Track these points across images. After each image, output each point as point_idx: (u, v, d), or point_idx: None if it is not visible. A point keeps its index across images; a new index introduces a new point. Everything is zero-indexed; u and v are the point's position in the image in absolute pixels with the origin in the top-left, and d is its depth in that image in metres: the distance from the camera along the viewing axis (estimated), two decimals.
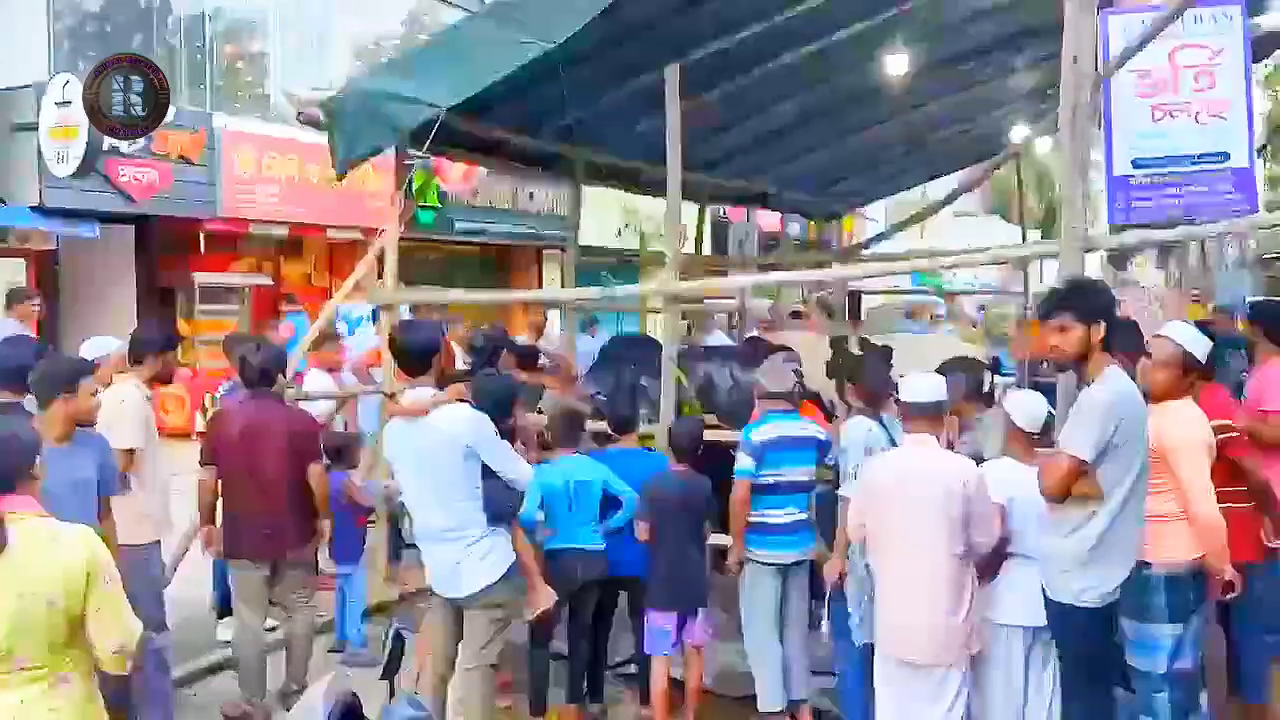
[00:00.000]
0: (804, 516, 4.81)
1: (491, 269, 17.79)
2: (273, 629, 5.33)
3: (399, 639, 2.23)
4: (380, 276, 6.81)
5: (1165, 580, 3.71)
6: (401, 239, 6.95)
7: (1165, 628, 3.71)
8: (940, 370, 4.83)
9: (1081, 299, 3.57)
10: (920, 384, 4.05)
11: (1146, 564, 3.67)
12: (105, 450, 3.95)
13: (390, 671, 2.20)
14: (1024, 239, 12.49)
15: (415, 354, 4.12)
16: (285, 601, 5.15)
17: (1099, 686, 3.65)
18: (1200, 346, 3.90)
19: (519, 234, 16.46)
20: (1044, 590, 3.71)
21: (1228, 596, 3.88)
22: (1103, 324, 3.52)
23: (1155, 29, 4.26)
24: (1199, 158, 4.63)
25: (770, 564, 4.80)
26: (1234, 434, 4.40)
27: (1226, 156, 4.60)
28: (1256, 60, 10.50)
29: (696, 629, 4.77)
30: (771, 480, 4.76)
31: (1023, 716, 4.05)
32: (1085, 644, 3.62)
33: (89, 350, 5.05)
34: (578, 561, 4.85)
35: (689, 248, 11.82)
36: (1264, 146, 16.29)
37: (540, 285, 17.87)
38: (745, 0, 6.50)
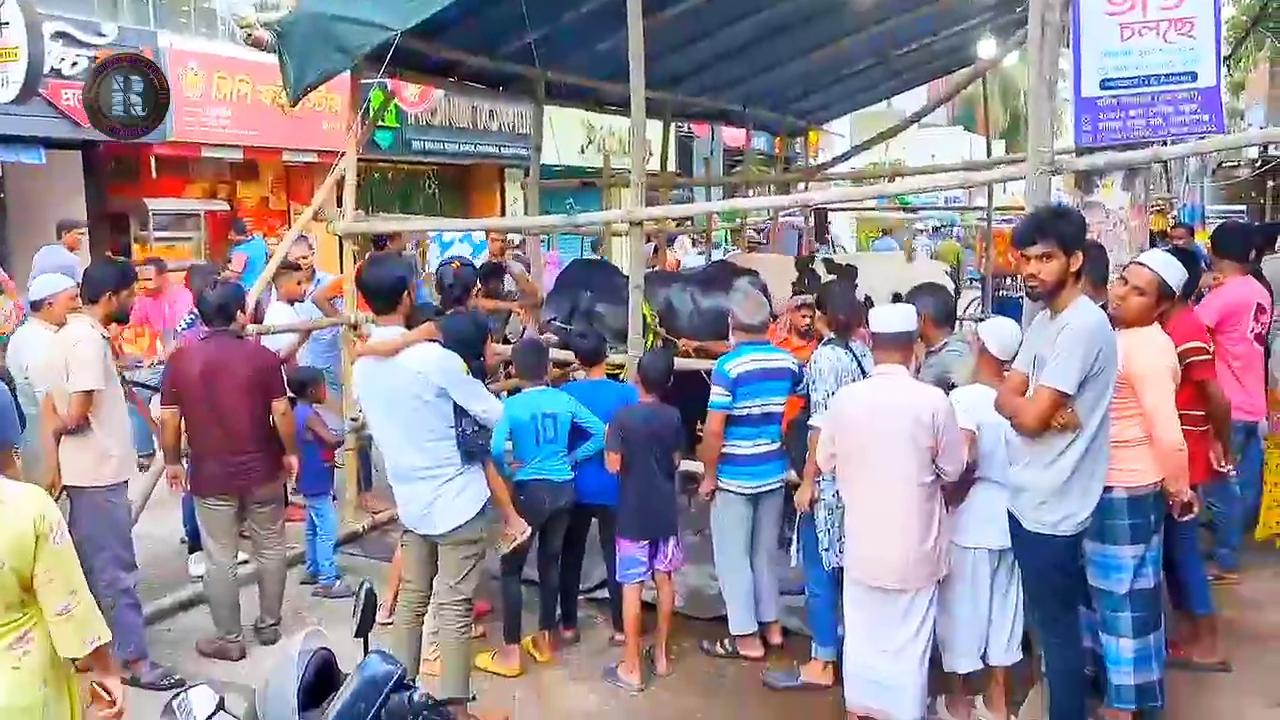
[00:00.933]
0: (775, 446, 4.85)
1: (452, 189, 17.49)
2: (244, 563, 5.33)
3: (371, 595, 2.22)
4: (339, 204, 6.68)
5: (1128, 503, 3.80)
6: (359, 160, 6.79)
7: (1127, 549, 3.80)
8: (908, 297, 4.85)
9: (1065, 227, 3.51)
10: (890, 314, 4.06)
11: (1109, 487, 3.73)
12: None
13: (364, 629, 2.20)
14: (989, 152, 12.47)
15: (383, 292, 4.04)
16: (255, 537, 5.16)
17: (1064, 608, 3.74)
18: (1176, 275, 3.92)
19: (480, 153, 16.15)
20: (1015, 520, 3.75)
21: (1185, 518, 3.98)
22: (1080, 253, 3.50)
23: None
24: (1166, 78, 4.58)
25: (741, 493, 4.85)
26: (1205, 357, 4.49)
27: (1194, 77, 4.55)
28: None
29: (667, 556, 4.83)
30: (744, 412, 4.78)
31: (986, 636, 4.18)
32: (1056, 571, 3.69)
33: (38, 288, 4.93)
34: (545, 492, 4.88)
35: (653, 165, 11.70)
36: (1227, 57, 16.26)
37: (503, 204, 17.64)
38: None
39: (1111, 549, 3.81)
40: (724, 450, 4.82)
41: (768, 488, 4.88)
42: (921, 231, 21.27)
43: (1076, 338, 3.44)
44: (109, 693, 2.84)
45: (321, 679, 2.15)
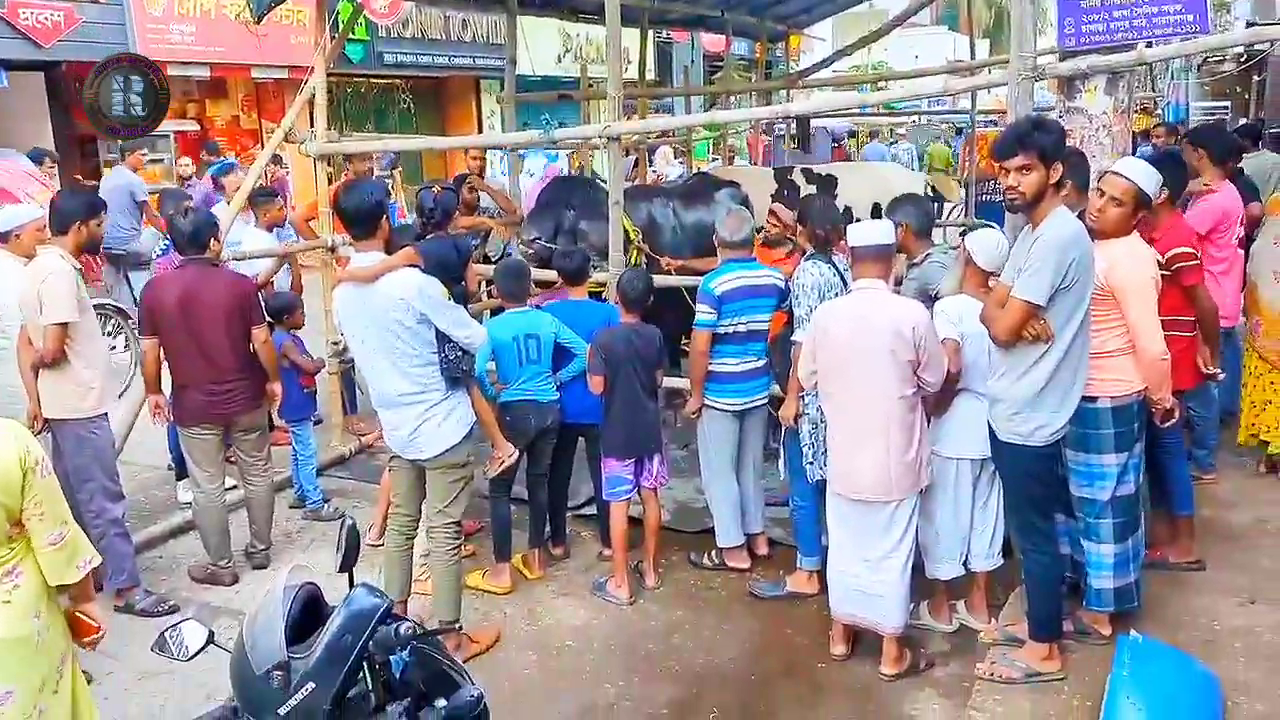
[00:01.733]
0: (760, 363, 4.86)
1: (427, 103, 17.14)
2: (232, 488, 5.35)
3: (353, 532, 2.23)
4: (310, 123, 6.53)
5: (1112, 412, 3.82)
6: (330, 75, 6.63)
7: (1110, 457, 3.85)
8: (888, 208, 4.81)
9: (1044, 138, 3.45)
10: (868, 229, 4.04)
11: (1093, 397, 3.77)
12: None
13: (347, 565, 2.21)
14: (972, 53, 12.25)
15: (361, 217, 3.97)
16: (241, 464, 5.17)
17: (1042, 516, 3.80)
18: (1153, 182, 3.88)
19: (455, 65, 15.78)
20: (992, 430, 3.80)
21: (1166, 424, 4.02)
22: (1059, 164, 3.47)
23: None
24: None
25: (728, 410, 4.87)
26: (1193, 263, 4.49)
27: None
28: None
29: (652, 473, 4.88)
30: (730, 330, 4.78)
31: (968, 542, 4.26)
32: (1034, 481, 3.74)
33: (4, 220, 4.82)
34: (530, 412, 4.90)
35: (631, 73, 11.47)
36: None
37: (479, 117, 17.32)
38: None
39: (1095, 458, 3.86)
40: (710, 368, 4.83)
41: (754, 404, 4.90)
42: (904, 135, 21.05)
43: (1049, 249, 3.42)
44: (93, 619, 2.89)
45: (308, 613, 2.17)
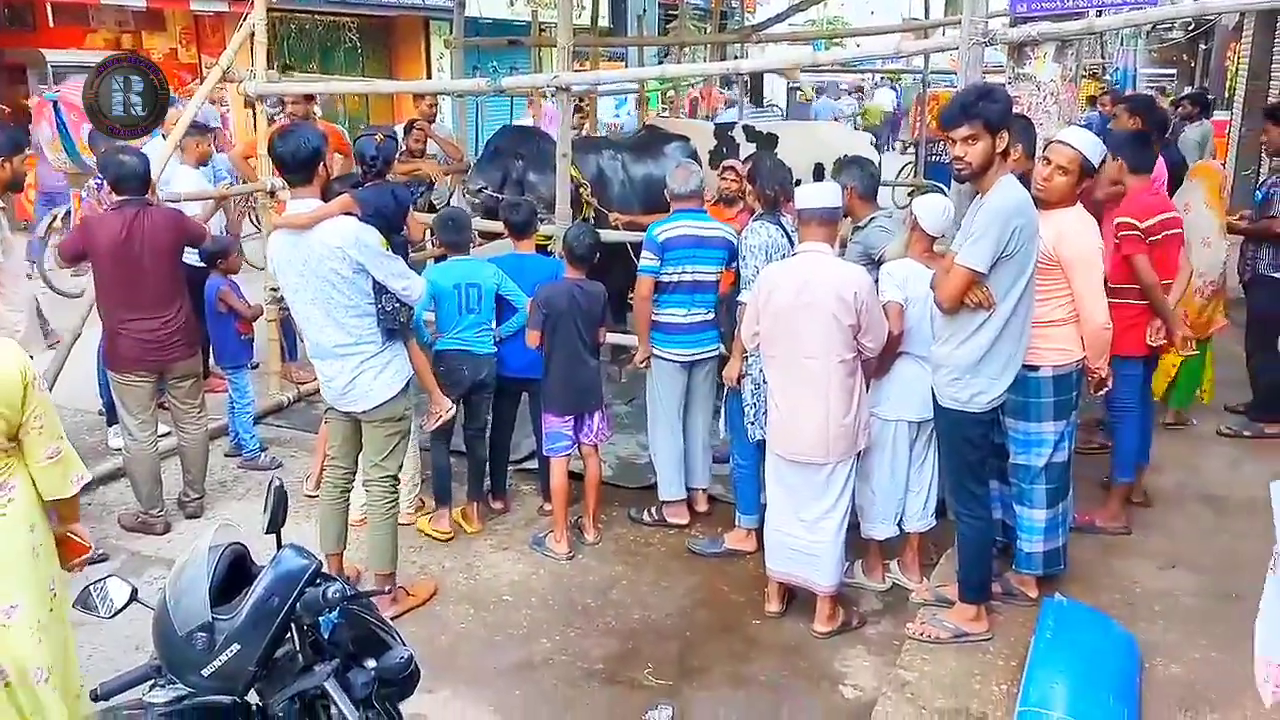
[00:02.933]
0: (709, 316, 4.86)
1: (374, 42, 16.72)
2: (165, 435, 5.24)
3: (281, 493, 2.19)
4: (251, 61, 6.32)
5: (1053, 381, 3.87)
6: (274, 10, 6.42)
7: (1049, 425, 3.91)
8: (834, 170, 4.81)
9: (990, 106, 3.44)
10: (815, 191, 4.04)
11: (1035, 366, 3.82)
12: None
13: (275, 526, 2.17)
14: (927, 11, 12.23)
15: (297, 163, 3.86)
16: (175, 412, 5.06)
17: (976, 481, 3.85)
18: (1098, 151, 3.91)
19: (403, 4, 15.39)
20: (933, 395, 3.84)
21: (1100, 392, 4.10)
22: (1005, 132, 3.46)
23: None
24: None
25: (675, 360, 4.87)
26: (1135, 231, 4.56)
27: None
28: None
29: (592, 430, 4.87)
30: (675, 278, 4.76)
31: (903, 503, 4.32)
32: (971, 446, 3.79)
33: None
34: (465, 362, 4.86)
35: (584, 20, 11.28)
36: None
37: (428, 60, 16.94)
38: None
39: (1035, 425, 3.91)
40: (658, 319, 4.83)
41: (702, 355, 4.90)
42: (848, 91, 21.05)
43: (992, 217, 3.44)
44: (82, 538, 2.97)
45: (235, 573, 2.13)
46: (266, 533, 2.14)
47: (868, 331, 3.85)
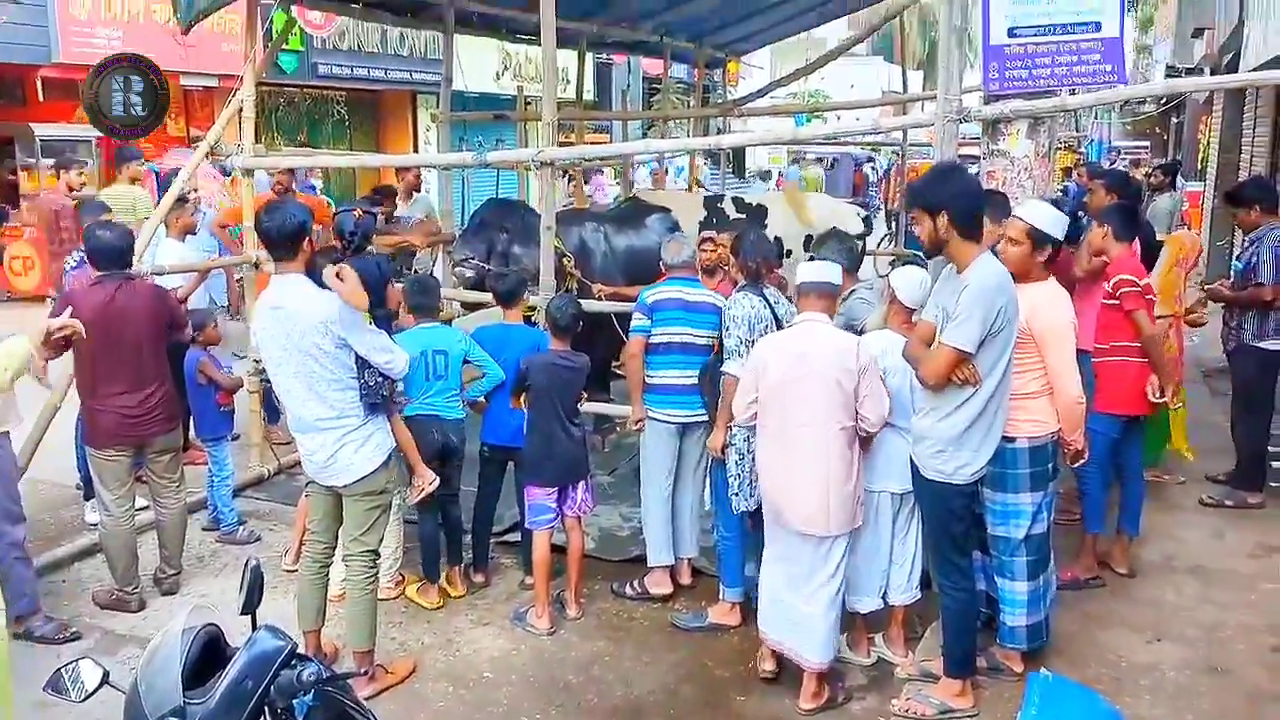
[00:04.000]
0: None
1: (362, 115, 16.95)
2: (143, 508, 5.18)
3: (257, 573, 2.17)
4: (239, 135, 6.40)
5: (1029, 452, 3.90)
6: (262, 85, 6.50)
7: (1026, 496, 3.92)
8: (816, 242, 4.89)
9: (926, 191, 3.63)
10: (819, 269, 4.15)
11: (1011, 438, 3.84)
12: None
13: (250, 606, 2.15)
14: (905, 86, 12.54)
15: (282, 239, 3.89)
16: (153, 486, 5.01)
17: (959, 553, 3.86)
18: (1049, 221, 3.96)
19: (391, 79, 15.63)
20: (915, 466, 3.85)
21: (1076, 464, 4.13)
22: (946, 213, 3.55)
23: None
24: (1071, 27, 4.61)
25: (669, 422, 4.88)
26: (1133, 289, 4.71)
27: (1098, 26, 4.59)
28: None
29: (576, 501, 4.84)
30: (664, 339, 4.80)
31: (887, 575, 4.30)
32: (952, 517, 3.80)
33: None
34: (433, 427, 4.83)
35: (570, 94, 11.47)
36: None
37: (414, 132, 17.17)
38: None
39: (1012, 497, 3.93)
40: (650, 380, 4.87)
41: (694, 419, 4.89)
42: (817, 160, 21.44)
43: (977, 299, 3.51)
44: None
45: (209, 655, 2.10)
46: (242, 613, 2.11)
47: (867, 400, 3.87)
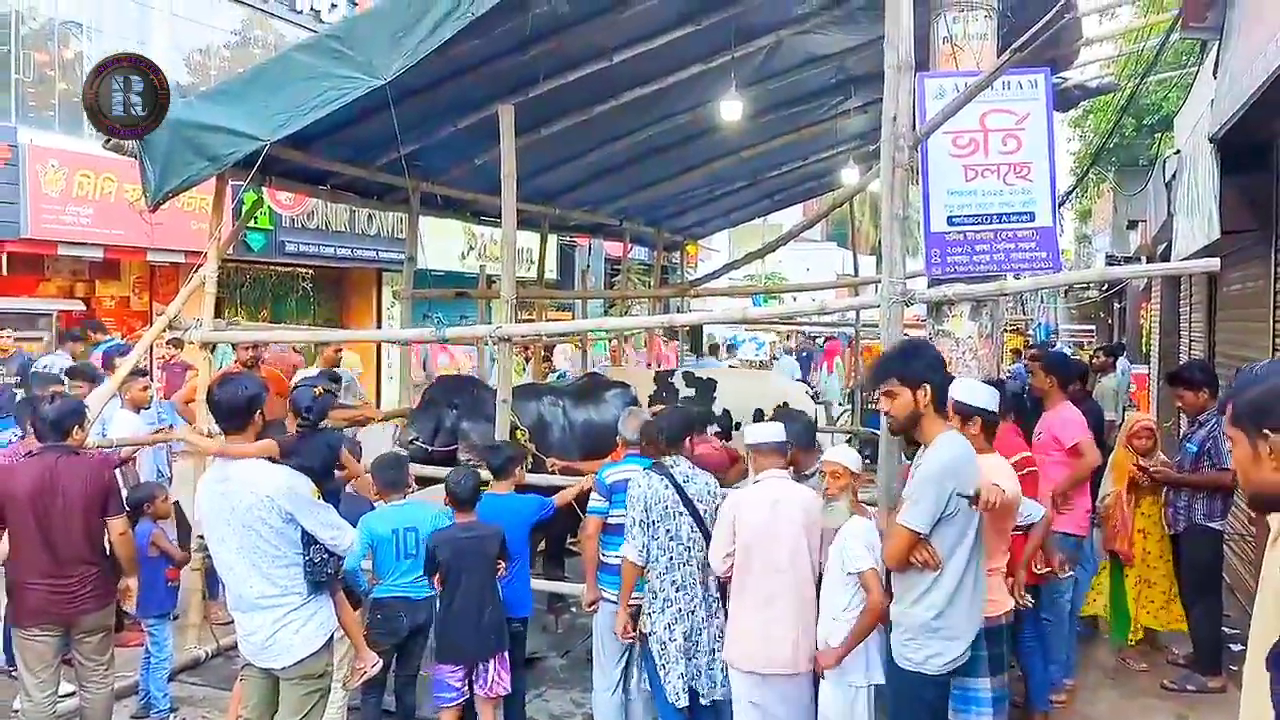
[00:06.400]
0: None
1: (327, 290, 17.16)
2: (69, 694, 4.90)
3: None
4: (200, 309, 6.44)
5: (985, 634, 3.80)
6: (229, 261, 6.60)
7: (985, 681, 3.84)
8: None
9: (904, 363, 3.59)
10: (763, 429, 4.39)
11: None
12: None
13: None
14: (856, 270, 13.01)
15: (231, 411, 3.86)
16: (80, 669, 4.75)
17: None
18: (977, 396, 4.05)
19: (357, 258, 15.93)
20: (889, 658, 3.74)
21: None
22: (928, 386, 3.55)
23: (968, 95, 4.42)
24: (1007, 217, 4.85)
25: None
26: (1031, 469, 4.74)
27: (1032, 216, 4.83)
28: (1065, 110, 11.29)
29: (487, 681, 4.64)
30: (621, 519, 4.71)
31: None
32: (925, 709, 3.63)
33: None
34: (403, 609, 4.75)
35: (532, 272, 11.77)
36: (1070, 191, 17.44)
37: (379, 308, 17.39)
38: (580, 41, 6.48)
39: (971, 681, 3.83)
40: (606, 560, 4.78)
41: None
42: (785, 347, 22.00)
43: (928, 478, 3.48)
44: None
45: None
46: None
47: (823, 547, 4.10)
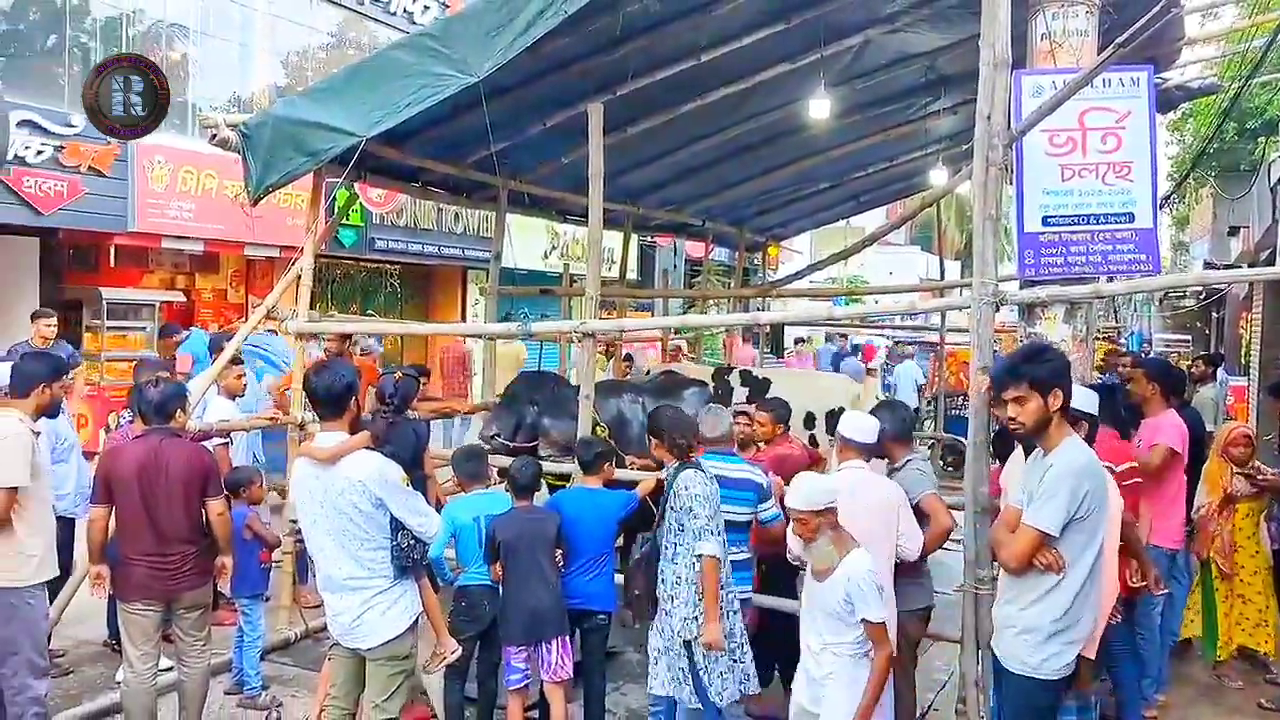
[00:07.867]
0: (743, 555, 4.83)
1: (414, 286, 17.52)
2: (168, 669, 5.10)
3: None
4: (295, 302, 6.65)
5: None
6: (321, 257, 6.78)
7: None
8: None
9: (1036, 369, 3.46)
10: (860, 422, 4.55)
11: None
12: None
13: None
14: (942, 274, 12.77)
15: (330, 398, 3.99)
16: (179, 644, 4.94)
17: None
18: (1091, 403, 3.96)
19: (444, 255, 16.23)
20: (995, 656, 3.66)
21: None
22: (1060, 391, 3.44)
23: (1069, 91, 4.32)
24: (1105, 218, 4.73)
25: None
26: (1137, 479, 4.62)
27: (1131, 218, 4.70)
28: (1165, 112, 10.95)
29: (550, 664, 4.67)
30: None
31: None
32: (1033, 714, 3.53)
33: None
34: (486, 597, 4.80)
35: (614, 273, 11.86)
36: (1168, 196, 16.90)
37: (464, 305, 17.70)
38: (669, 40, 6.51)
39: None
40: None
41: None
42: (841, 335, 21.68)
43: (1061, 479, 3.36)
44: None
45: None
46: None
47: (907, 532, 4.27)
